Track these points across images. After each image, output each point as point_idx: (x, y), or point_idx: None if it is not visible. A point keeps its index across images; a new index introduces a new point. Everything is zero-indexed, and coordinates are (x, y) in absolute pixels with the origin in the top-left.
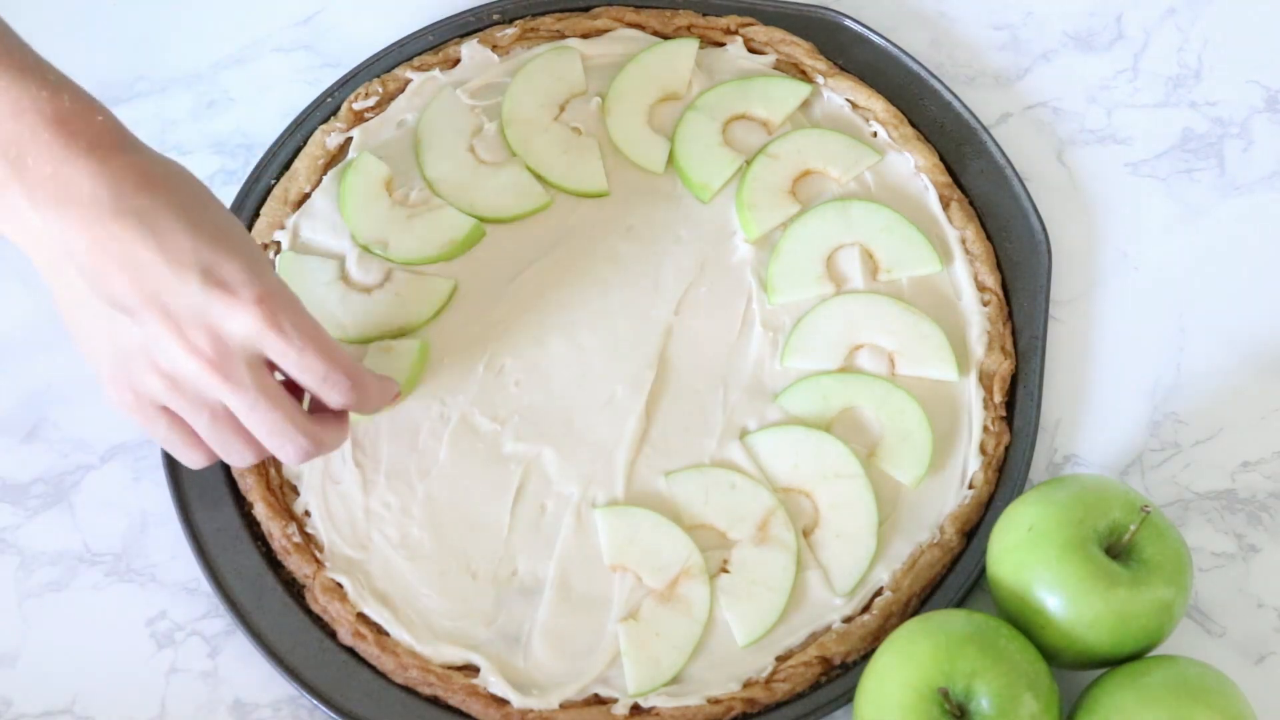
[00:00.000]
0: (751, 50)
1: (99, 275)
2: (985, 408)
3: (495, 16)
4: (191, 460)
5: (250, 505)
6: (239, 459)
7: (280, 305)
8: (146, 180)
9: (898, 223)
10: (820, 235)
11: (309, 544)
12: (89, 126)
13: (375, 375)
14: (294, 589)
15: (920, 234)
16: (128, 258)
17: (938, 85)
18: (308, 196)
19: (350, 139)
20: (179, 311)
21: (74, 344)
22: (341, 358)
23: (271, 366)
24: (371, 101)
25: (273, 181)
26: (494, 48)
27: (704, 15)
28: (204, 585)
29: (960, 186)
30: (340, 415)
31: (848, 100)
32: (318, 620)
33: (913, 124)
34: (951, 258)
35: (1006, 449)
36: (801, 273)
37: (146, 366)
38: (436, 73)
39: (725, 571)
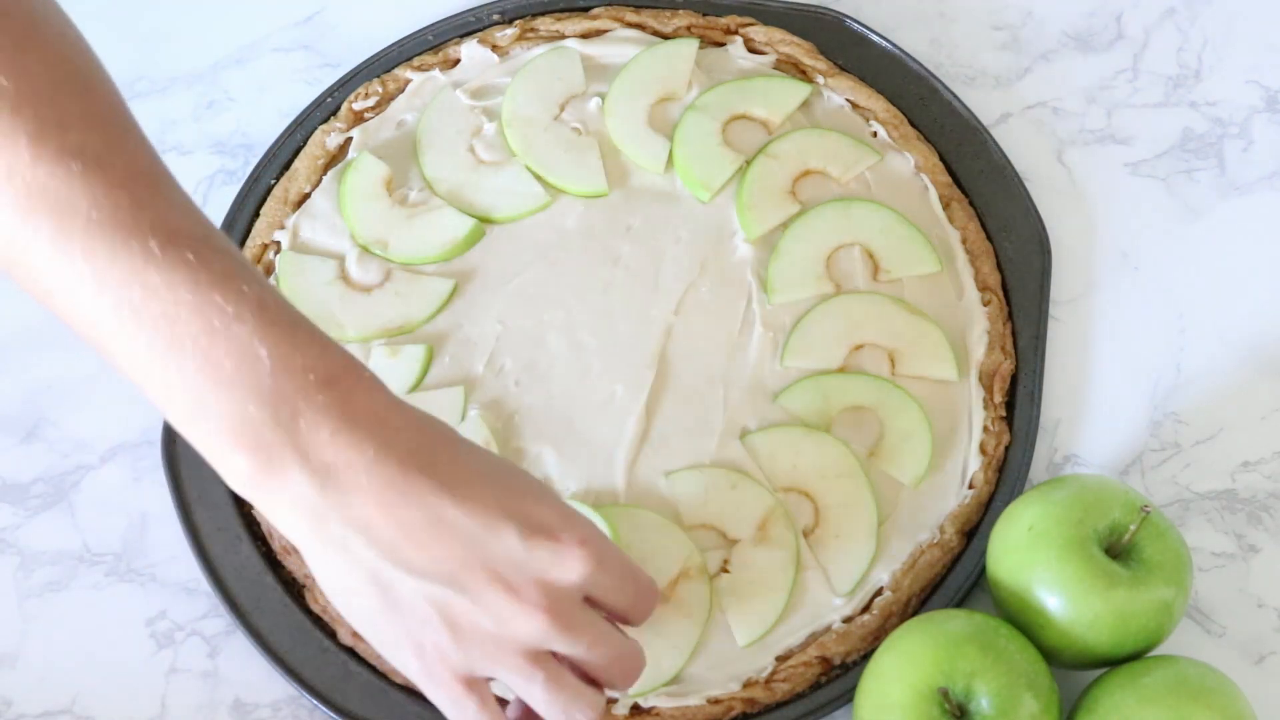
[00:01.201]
0: (751, 50)
1: (400, 546)
2: (985, 408)
3: (495, 16)
4: None
5: (250, 505)
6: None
7: (599, 542)
8: (425, 439)
9: (898, 223)
10: (820, 235)
11: None
12: (359, 385)
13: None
14: (294, 589)
15: (920, 234)
16: (433, 521)
17: (938, 85)
18: (308, 196)
19: (350, 139)
20: (504, 569)
21: (371, 642)
22: (648, 581)
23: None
24: (371, 101)
25: (273, 181)
26: (493, 48)
27: (704, 15)
28: (204, 585)
29: (960, 186)
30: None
31: (848, 100)
32: (318, 620)
33: (913, 124)
34: (951, 258)
35: (1006, 449)
36: (801, 273)
37: (474, 636)
38: (436, 73)
39: (725, 571)
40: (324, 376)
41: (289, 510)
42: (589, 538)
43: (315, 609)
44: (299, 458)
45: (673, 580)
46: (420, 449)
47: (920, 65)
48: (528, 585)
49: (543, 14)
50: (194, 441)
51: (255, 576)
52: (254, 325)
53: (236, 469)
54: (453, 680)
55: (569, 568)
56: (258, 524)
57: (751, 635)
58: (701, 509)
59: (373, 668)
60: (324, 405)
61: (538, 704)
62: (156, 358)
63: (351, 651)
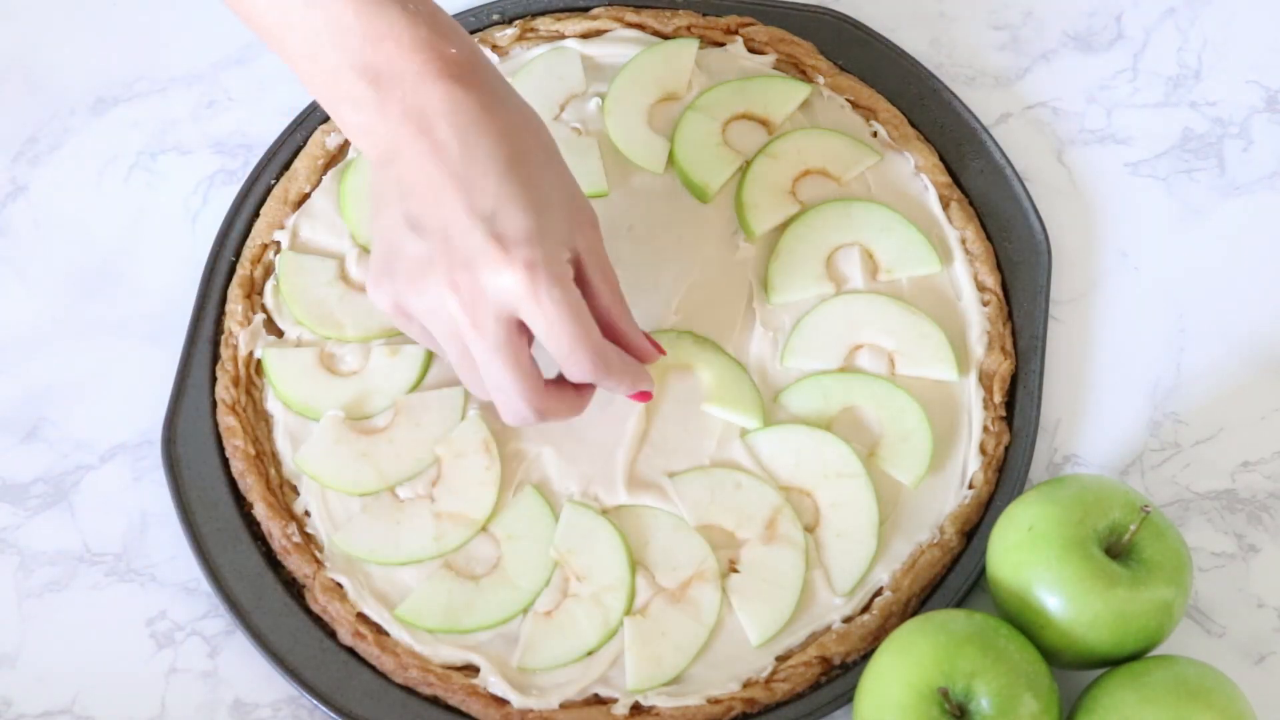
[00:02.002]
0: (751, 50)
1: (407, 186)
2: (985, 408)
3: (494, 17)
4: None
5: (250, 505)
6: (479, 393)
7: (547, 278)
8: (485, 113)
9: (898, 223)
10: (820, 235)
11: (309, 544)
12: (442, 55)
13: (626, 361)
14: (294, 589)
15: (920, 234)
16: (435, 180)
17: (938, 85)
18: (308, 196)
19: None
20: (456, 249)
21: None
22: (590, 340)
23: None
24: None
25: (273, 181)
26: (493, 48)
27: (704, 15)
28: (204, 585)
29: (960, 186)
30: (582, 388)
31: (848, 100)
32: (318, 620)
33: (913, 124)
34: (951, 258)
35: (1006, 449)
36: (801, 273)
37: (411, 282)
38: None
39: (734, 571)
40: (409, 45)
41: (363, 134)
42: (536, 264)
43: (315, 609)
44: (378, 105)
45: (685, 582)
46: (470, 121)
47: (920, 65)
48: (462, 271)
49: (543, 14)
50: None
51: (255, 576)
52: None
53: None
54: (391, 304)
55: (499, 279)
56: (258, 524)
57: (765, 634)
58: (708, 510)
59: (372, 668)
60: (403, 71)
61: (451, 360)
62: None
63: (351, 651)
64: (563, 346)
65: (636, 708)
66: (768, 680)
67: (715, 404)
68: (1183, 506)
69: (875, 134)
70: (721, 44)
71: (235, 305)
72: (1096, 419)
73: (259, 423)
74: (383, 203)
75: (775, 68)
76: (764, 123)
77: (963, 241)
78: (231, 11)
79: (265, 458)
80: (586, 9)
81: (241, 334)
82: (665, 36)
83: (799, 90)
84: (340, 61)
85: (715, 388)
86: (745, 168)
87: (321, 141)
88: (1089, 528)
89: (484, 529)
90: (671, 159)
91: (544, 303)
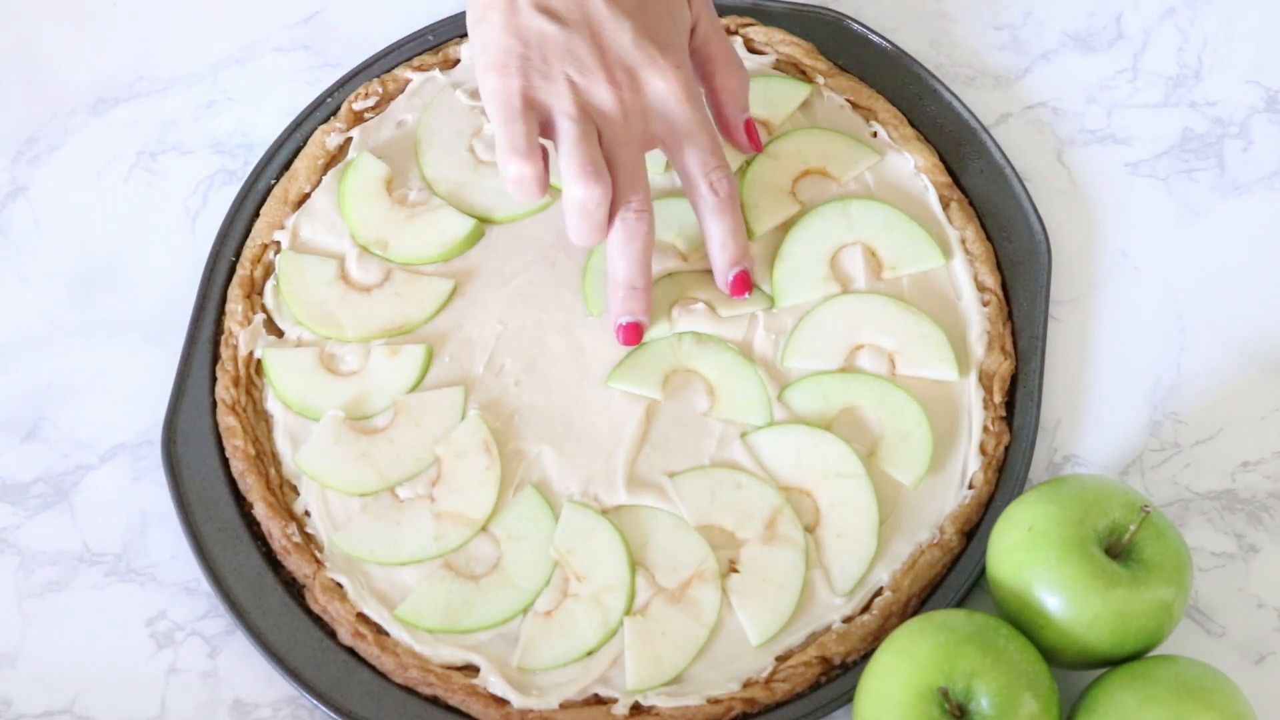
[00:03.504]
0: (751, 50)
1: None
2: (985, 408)
3: None
4: (521, 175)
5: (250, 505)
6: (582, 187)
7: (691, 82)
8: None
9: (898, 220)
10: (823, 237)
11: (309, 544)
12: None
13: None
14: (294, 589)
15: (921, 229)
16: None
17: (938, 85)
18: (308, 196)
19: (350, 139)
20: (608, 45)
21: (476, 59)
22: (709, 123)
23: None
24: (371, 102)
25: (273, 181)
26: None
27: None
28: (204, 585)
29: (960, 186)
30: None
31: (848, 100)
32: (318, 620)
33: (913, 124)
34: (951, 258)
35: (1006, 449)
36: (807, 276)
37: (558, 69)
38: (436, 73)
39: (735, 571)
40: None
41: None
42: (683, 66)
43: (315, 609)
44: None
45: (685, 582)
46: None
47: (920, 65)
48: (621, 70)
49: None
50: None
51: (255, 576)
52: None
53: None
54: (519, 97)
55: (660, 81)
56: (258, 524)
57: (765, 634)
58: (708, 510)
59: (372, 668)
60: None
61: (563, 144)
62: None
63: (351, 651)
64: (705, 149)
65: (636, 708)
66: (768, 680)
67: (721, 399)
68: (1183, 506)
69: (875, 134)
70: None
71: (235, 305)
72: (1096, 419)
73: (259, 423)
74: (492, 8)
75: (775, 68)
76: (764, 123)
77: (963, 241)
78: None
79: (265, 458)
80: None
81: (241, 334)
82: None
83: (799, 90)
84: None
85: (720, 384)
86: (745, 168)
87: (321, 141)
88: (1089, 528)
89: (484, 529)
90: None
91: (698, 108)
